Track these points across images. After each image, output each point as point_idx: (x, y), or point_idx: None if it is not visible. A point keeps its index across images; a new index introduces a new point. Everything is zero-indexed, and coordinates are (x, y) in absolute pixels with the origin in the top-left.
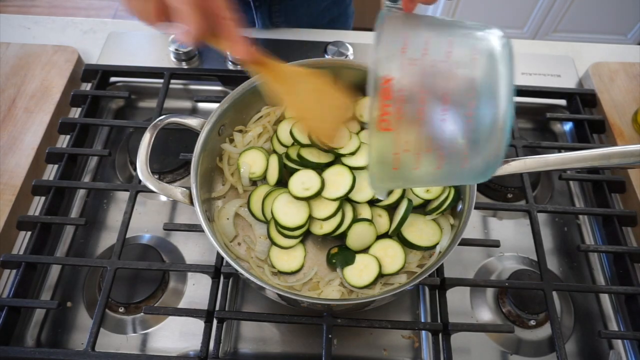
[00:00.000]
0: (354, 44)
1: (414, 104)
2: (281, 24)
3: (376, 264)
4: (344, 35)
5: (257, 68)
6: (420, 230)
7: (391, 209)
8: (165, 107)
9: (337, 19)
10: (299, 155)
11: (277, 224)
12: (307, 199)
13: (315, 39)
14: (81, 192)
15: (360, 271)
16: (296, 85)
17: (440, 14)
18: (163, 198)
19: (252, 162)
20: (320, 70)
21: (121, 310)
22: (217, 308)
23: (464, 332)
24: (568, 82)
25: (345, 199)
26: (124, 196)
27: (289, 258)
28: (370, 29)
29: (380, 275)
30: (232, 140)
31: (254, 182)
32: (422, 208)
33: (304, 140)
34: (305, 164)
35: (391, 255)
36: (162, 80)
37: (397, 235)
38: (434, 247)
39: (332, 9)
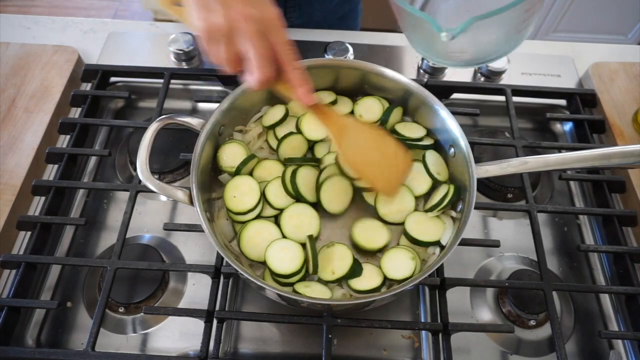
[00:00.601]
0: (354, 44)
1: None
2: (295, 19)
3: (380, 274)
4: (344, 35)
5: (317, 115)
6: (424, 227)
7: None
8: (165, 107)
9: (347, 15)
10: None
11: (271, 271)
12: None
13: (315, 39)
14: (81, 192)
15: (366, 279)
16: (354, 134)
17: None
18: (163, 198)
19: (232, 155)
20: (378, 126)
21: (121, 310)
22: (217, 308)
23: (464, 332)
24: (568, 82)
25: None
26: (124, 196)
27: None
28: (370, 30)
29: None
30: (232, 140)
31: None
32: (422, 206)
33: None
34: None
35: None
36: (162, 80)
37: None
38: (436, 243)
39: (344, 5)
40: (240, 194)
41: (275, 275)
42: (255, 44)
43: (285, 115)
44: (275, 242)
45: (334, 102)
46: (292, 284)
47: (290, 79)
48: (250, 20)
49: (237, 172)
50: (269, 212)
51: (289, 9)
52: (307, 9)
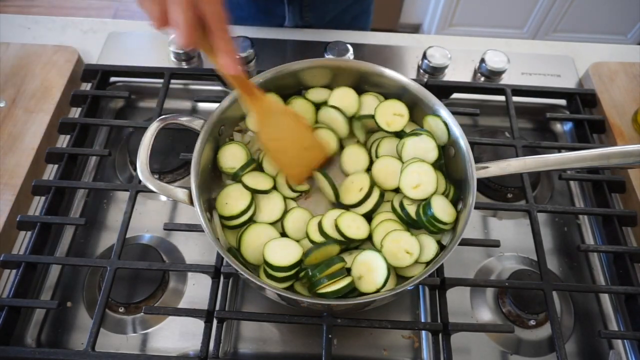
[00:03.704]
0: (354, 44)
1: None
2: (311, 19)
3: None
4: (344, 35)
5: (240, 91)
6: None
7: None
8: (165, 107)
9: (359, 16)
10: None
11: (267, 264)
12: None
13: (315, 39)
14: (81, 192)
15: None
16: (275, 119)
17: (440, 15)
18: (163, 198)
19: (232, 157)
20: (299, 112)
21: (121, 310)
22: (217, 308)
23: (464, 332)
24: (568, 82)
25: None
26: (124, 196)
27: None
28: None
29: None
30: (232, 140)
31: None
32: None
33: (272, 172)
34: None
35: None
36: (162, 80)
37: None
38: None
39: (355, 6)
40: (233, 199)
41: (271, 269)
42: (184, 8)
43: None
44: (273, 241)
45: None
46: (287, 279)
47: (215, 47)
48: None
49: (235, 177)
50: (262, 216)
51: (304, 8)
52: (321, 9)
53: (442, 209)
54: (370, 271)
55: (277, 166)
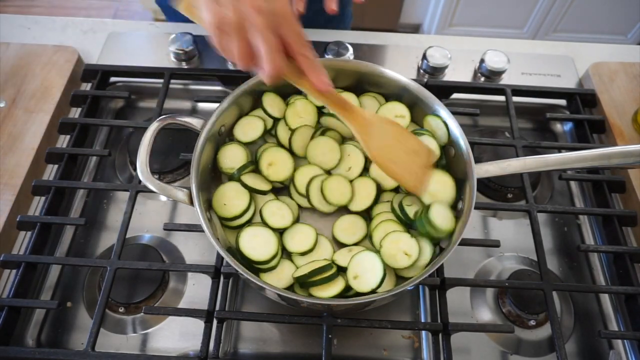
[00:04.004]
0: (354, 44)
1: None
2: None
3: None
4: (344, 35)
5: (335, 108)
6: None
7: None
8: (165, 107)
9: (333, 19)
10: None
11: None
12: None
13: (315, 39)
14: (81, 192)
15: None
16: (376, 129)
17: (440, 15)
18: (163, 198)
19: (232, 157)
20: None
21: (121, 310)
22: (217, 308)
23: (464, 332)
24: (568, 82)
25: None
26: (124, 196)
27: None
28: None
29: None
30: (232, 140)
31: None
32: None
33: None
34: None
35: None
36: (162, 80)
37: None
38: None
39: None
40: (230, 199)
41: (251, 262)
42: (265, 36)
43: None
44: (248, 229)
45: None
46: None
47: (303, 68)
48: (260, 12)
49: (232, 177)
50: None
51: None
52: None
53: (441, 216)
54: (366, 271)
55: (396, 178)
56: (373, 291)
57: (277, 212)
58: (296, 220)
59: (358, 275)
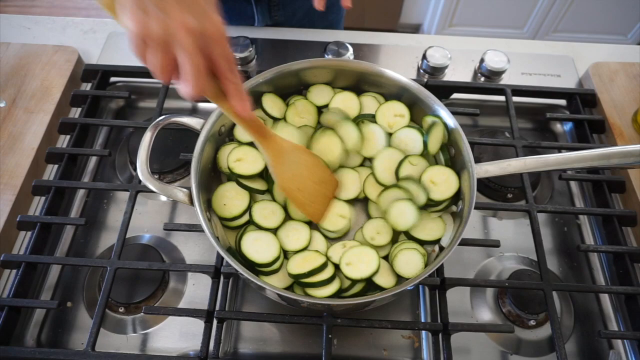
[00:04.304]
0: (354, 44)
1: None
2: (279, 17)
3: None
4: (344, 35)
5: (252, 133)
6: (423, 225)
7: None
8: (165, 107)
9: (329, 8)
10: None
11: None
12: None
13: (315, 39)
14: (81, 192)
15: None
16: (288, 157)
17: (440, 15)
18: (163, 198)
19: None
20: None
21: (121, 310)
22: (217, 308)
23: (464, 332)
24: (568, 82)
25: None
26: (124, 196)
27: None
28: (370, 30)
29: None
30: (232, 140)
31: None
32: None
33: (296, 214)
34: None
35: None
36: None
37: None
38: (437, 241)
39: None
40: (230, 199)
41: (257, 266)
42: (192, 58)
43: None
44: (249, 233)
45: (326, 106)
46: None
47: (228, 92)
48: (189, 32)
49: (230, 177)
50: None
51: (272, 8)
52: (290, 7)
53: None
54: (360, 262)
55: (297, 207)
56: (364, 279)
57: (268, 214)
58: (287, 218)
59: (351, 262)
